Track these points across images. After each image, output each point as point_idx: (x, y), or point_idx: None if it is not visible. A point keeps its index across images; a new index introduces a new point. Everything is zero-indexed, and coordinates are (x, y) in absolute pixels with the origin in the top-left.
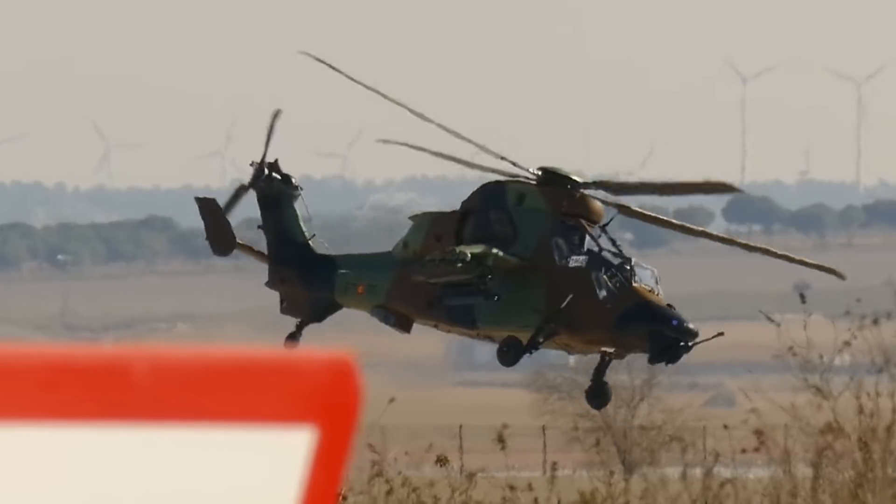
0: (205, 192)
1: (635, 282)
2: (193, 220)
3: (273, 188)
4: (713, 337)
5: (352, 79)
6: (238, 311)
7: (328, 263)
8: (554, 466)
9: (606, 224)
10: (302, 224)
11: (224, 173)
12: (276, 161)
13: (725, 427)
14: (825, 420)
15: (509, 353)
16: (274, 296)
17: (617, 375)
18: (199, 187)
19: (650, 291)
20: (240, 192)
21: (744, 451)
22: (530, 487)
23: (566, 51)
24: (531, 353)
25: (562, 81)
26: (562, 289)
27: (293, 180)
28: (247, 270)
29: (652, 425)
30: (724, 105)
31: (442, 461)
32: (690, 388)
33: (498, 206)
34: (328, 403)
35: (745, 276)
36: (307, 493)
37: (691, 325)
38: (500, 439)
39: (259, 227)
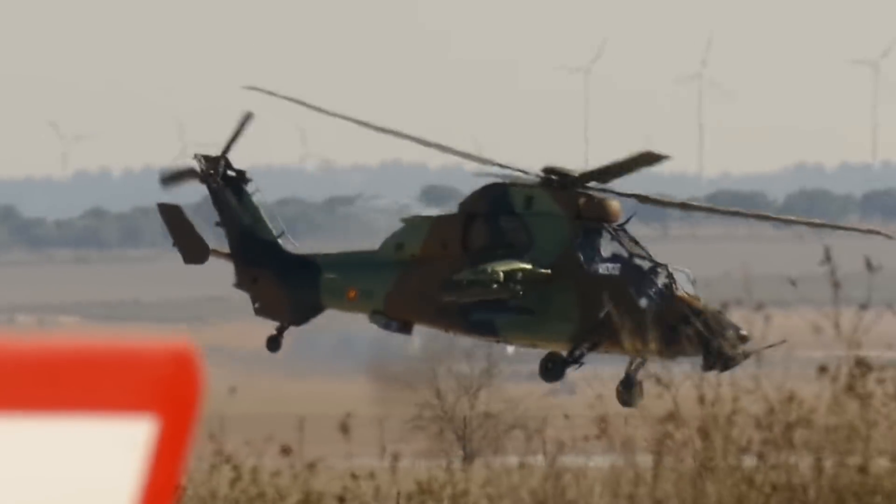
0: (45, 182)
1: (677, 289)
2: (35, 210)
3: (226, 183)
4: (775, 344)
5: (305, 104)
6: (78, 303)
7: (306, 263)
8: (395, 456)
9: (626, 222)
10: (267, 221)
11: (65, 161)
12: (224, 155)
13: (566, 416)
14: (666, 409)
15: (552, 370)
16: (117, 287)
17: (457, 364)
18: (40, 178)
19: (695, 298)
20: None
21: (586, 438)
22: (372, 476)
23: (412, 46)
24: (574, 366)
25: (407, 75)
26: (595, 298)
27: (246, 174)
28: (87, 262)
29: (493, 414)
30: (566, 92)
31: (286, 451)
32: (531, 378)
33: (505, 210)
34: (169, 393)
35: None
36: (148, 481)
37: (744, 332)
38: (344, 428)
39: (217, 224)
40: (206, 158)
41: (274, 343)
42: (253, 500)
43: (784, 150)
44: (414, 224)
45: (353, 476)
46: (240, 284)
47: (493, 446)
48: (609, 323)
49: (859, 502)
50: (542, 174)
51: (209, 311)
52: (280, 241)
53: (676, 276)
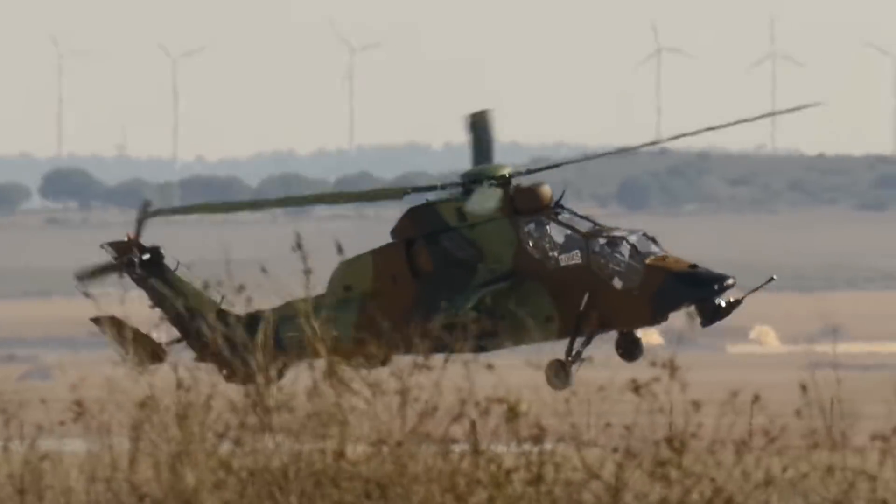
0: None
1: (646, 257)
2: None
3: (146, 266)
4: (766, 283)
5: None
6: None
7: (258, 322)
8: None
9: (560, 199)
10: (204, 292)
11: None
12: (135, 238)
13: (43, 401)
14: (143, 393)
15: (560, 377)
16: None
17: None
18: None
19: (664, 259)
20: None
21: (62, 423)
22: None
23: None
24: (578, 363)
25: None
26: (567, 290)
27: (161, 249)
28: None
29: None
30: (42, 77)
31: None
32: (7, 361)
33: (442, 229)
34: None
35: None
36: None
37: (730, 280)
38: None
39: (151, 307)
40: (117, 247)
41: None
42: None
43: (259, 136)
44: (354, 263)
45: None
46: (202, 359)
47: None
48: (594, 313)
49: (336, 487)
50: (462, 181)
51: None
52: (223, 307)
53: (635, 240)
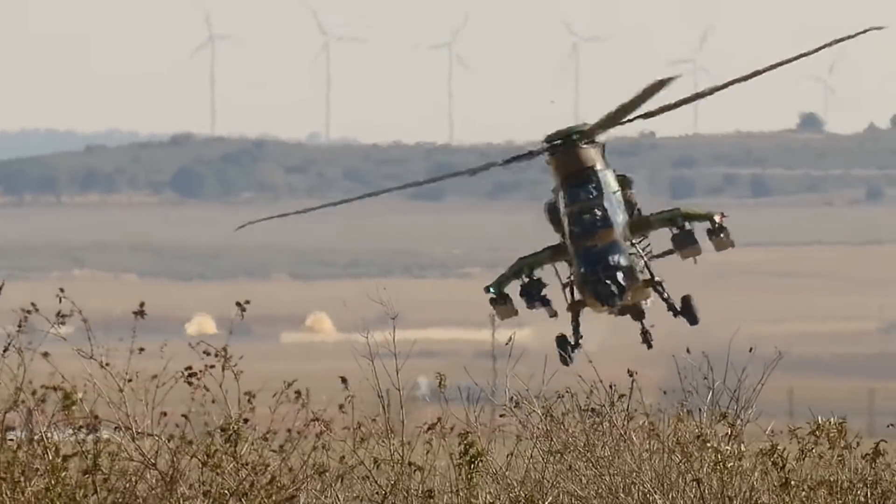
0: None
1: (586, 232)
2: None
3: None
4: (666, 253)
5: None
6: None
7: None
8: None
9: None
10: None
11: None
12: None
13: None
14: None
15: (564, 356)
16: None
17: None
18: None
19: (593, 235)
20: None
21: None
22: None
23: None
24: (579, 343)
25: None
26: (573, 259)
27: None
28: None
29: None
30: None
31: None
32: None
33: (552, 190)
34: None
35: None
36: None
37: (614, 259)
38: None
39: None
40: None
41: (647, 338)
42: None
43: None
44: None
45: None
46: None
47: None
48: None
49: None
50: (545, 144)
51: None
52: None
53: (599, 213)
